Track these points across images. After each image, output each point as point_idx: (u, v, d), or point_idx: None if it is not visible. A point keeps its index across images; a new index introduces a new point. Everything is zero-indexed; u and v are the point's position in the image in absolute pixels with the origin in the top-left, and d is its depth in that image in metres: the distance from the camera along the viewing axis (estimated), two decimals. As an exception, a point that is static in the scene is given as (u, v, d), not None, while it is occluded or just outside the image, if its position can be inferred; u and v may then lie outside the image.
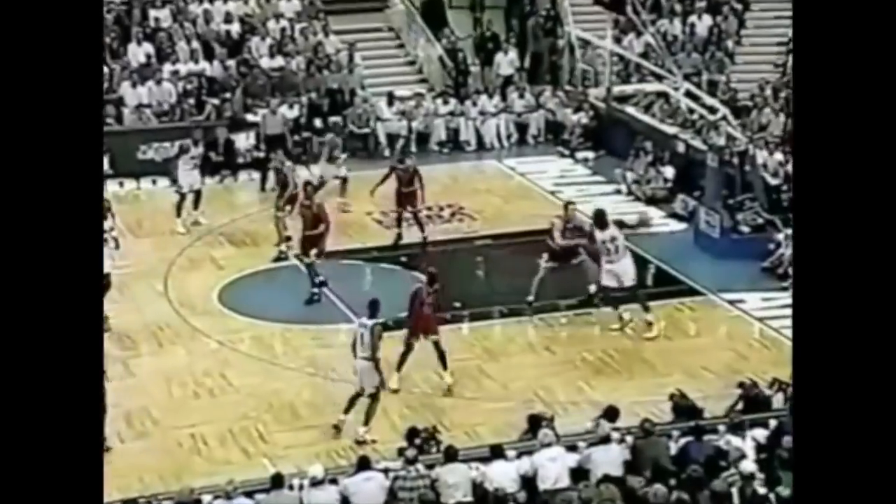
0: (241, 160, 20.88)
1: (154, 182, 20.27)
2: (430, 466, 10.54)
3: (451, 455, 10.65)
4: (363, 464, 10.55)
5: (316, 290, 15.55)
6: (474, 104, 22.78)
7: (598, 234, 14.71)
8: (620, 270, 14.65)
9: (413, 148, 21.92)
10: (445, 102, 22.76)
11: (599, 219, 14.75)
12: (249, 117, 21.28)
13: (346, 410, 12.40)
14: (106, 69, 21.50)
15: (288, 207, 16.71)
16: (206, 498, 10.10)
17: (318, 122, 21.88)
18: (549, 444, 10.80)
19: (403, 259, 16.99)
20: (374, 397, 12.36)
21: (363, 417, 12.34)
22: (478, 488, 10.52)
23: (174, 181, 18.23)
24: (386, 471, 10.52)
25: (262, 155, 19.99)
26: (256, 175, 20.35)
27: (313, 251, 15.51)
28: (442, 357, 13.47)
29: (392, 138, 22.12)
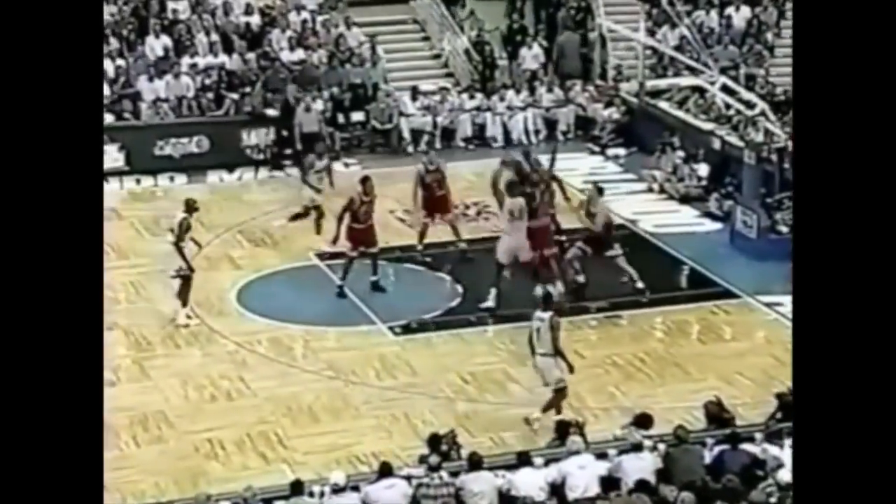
0: (260, 157, 20.98)
1: (171, 179, 20.37)
2: (455, 474, 10.52)
3: (475, 462, 10.63)
4: (385, 470, 10.55)
5: (376, 278, 15.63)
6: (501, 99, 22.77)
7: (507, 200, 15.02)
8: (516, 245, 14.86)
9: (438, 144, 21.95)
10: (471, 97, 22.76)
11: (510, 188, 15.14)
12: (269, 112, 21.35)
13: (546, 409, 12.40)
14: (122, 62, 21.65)
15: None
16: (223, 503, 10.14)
17: (340, 118, 21.95)
18: (577, 452, 10.76)
19: (427, 259, 16.99)
20: (559, 391, 12.35)
21: (544, 405, 12.41)
22: (504, 497, 10.49)
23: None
24: (409, 478, 10.51)
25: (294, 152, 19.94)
26: (276, 172, 20.40)
27: (361, 247, 15.58)
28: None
29: (416, 134, 22.14)
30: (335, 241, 15.81)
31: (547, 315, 12.47)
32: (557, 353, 12.44)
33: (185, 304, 14.90)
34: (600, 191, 16.16)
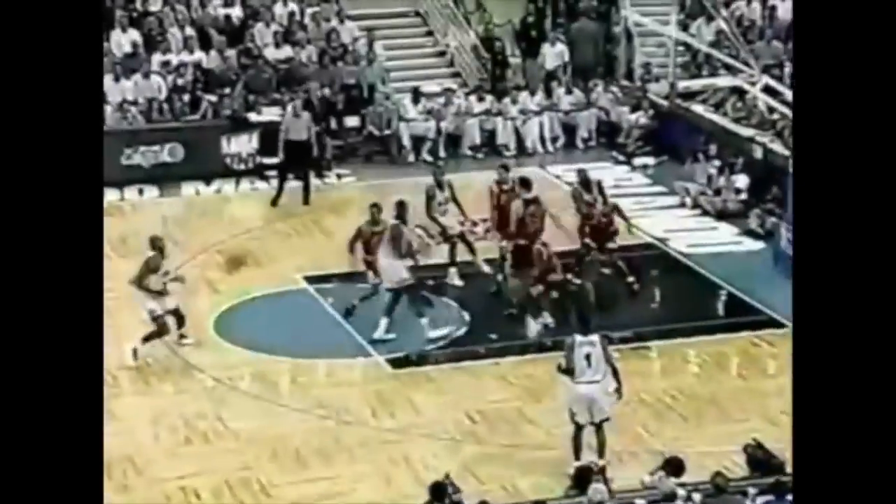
0: (241, 167, 21.11)
1: (140, 192, 20.48)
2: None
3: (486, 511, 10.68)
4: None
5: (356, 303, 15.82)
6: (514, 102, 22.90)
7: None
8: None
9: (442, 152, 22.07)
10: (480, 99, 22.90)
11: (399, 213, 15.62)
12: (252, 117, 21.48)
13: (578, 454, 12.39)
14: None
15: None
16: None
17: (332, 123, 22.08)
18: (600, 503, 10.79)
19: (430, 283, 17.04)
20: (601, 424, 12.46)
21: (598, 449, 12.40)
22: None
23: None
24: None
25: (277, 164, 20.13)
26: (259, 184, 20.52)
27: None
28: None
29: (417, 141, 22.26)
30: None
31: (596, 338, 12.50)
32: (616, 377, 12.50)
33: (145, 342, 15.05)
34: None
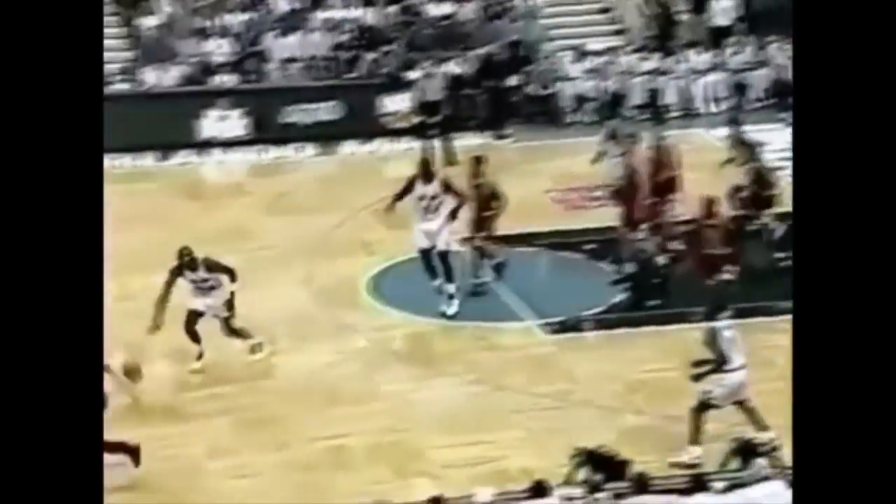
0: (397, 126, 21.22)
1: (299, 149, 20.74)
2: (619, 496, 10.47)
3: (642, 485, 10.55)
4: (539, 490, 10.56)
5: (485, 279, 15.60)
6: (681, 60, 22.48)
7: (419, 187, 14.92)
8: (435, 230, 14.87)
9: (604, 112, 21.83)
10: (646, 58, 22.53)
11: (424, 170, 15.10)
12: (411, 75, 21.55)
13: (697, 436, 12.19)
14: (247, 16, 22.15)
15: None
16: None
17: (491, 82, 22.01)
18: (766, 478, 10.56)
19: (591, 247, 16.90)
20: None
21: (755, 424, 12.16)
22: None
23: None
24: (567, 499, 10.50)
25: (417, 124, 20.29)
26: (415, 144, 20.61)
27: (482, 234, 15.60)
28: None
29: (580, 101, 22.05)
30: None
31: (732, 321, 12.27)
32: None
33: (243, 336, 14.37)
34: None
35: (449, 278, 15.12)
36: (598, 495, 10.48)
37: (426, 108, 20.26)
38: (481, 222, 15.73)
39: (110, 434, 12.59)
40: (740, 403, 12.27)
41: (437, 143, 20.17)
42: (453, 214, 15.09)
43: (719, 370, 12.22)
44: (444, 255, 15.12)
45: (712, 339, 12.26)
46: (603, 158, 17.34)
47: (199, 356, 14.07)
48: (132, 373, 13.13)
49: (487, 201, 15.71)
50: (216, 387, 13.76)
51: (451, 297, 15.10)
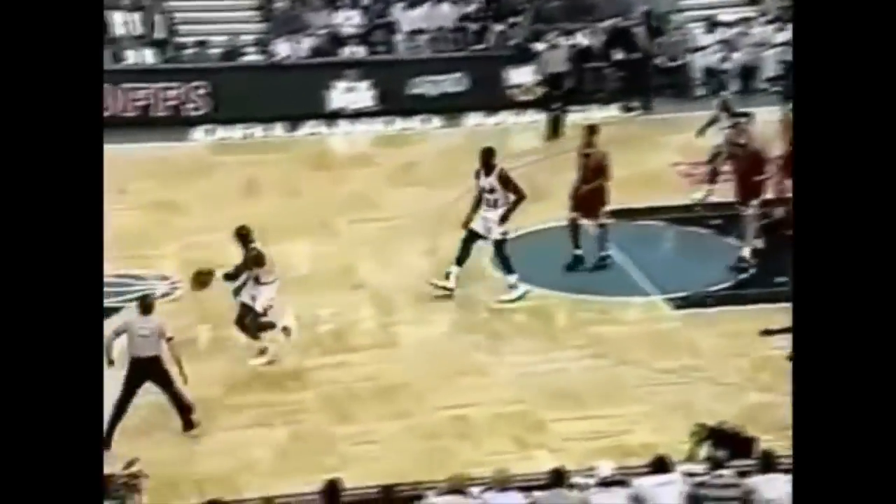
0: (525, 98, 21.22)
1: (426, 121, 20.87)
2: (744, 474, 10.42)
3: (770, 463, 10.48)
4: (661, 465, 10.56)
5: (607, 253, 15.60)
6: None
7: (481, 177, 14.96)
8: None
9: (736, 86, 21.55)
10: (780, 29, 22.15)
11: (485, 161, 15.01)
12: (538, 47, 21.51)
13: None
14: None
15: None
16: (474, 490, 10.41)
17: (619, 54, 21.87)
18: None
19: (717, 222, 16.76)
20: None
21: None
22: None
23: None
24: (689, 475, 10.48)
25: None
26: (539, 116, 20.58)
27: (602, 209, 15.51)
28: None
29: (710, 73, 21.79)
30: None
31: None
32: None
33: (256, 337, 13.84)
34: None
35: (508, 269, 15.05)
36: (722, 472, 10.44)
37: (551, 80, 20.24)
38: (584, 194, 15.59)
39: (247, 397, 12.95)
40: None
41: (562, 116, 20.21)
42: (505, 216, 15.05)
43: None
44: (499, 245, 15.06)
45: None
46: (707, 130, 17.18)
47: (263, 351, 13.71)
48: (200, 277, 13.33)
49: (594, 173, 15.56)
50: (340, 355, 13.99)
51: (511, 286, 15.01)
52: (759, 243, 15.68)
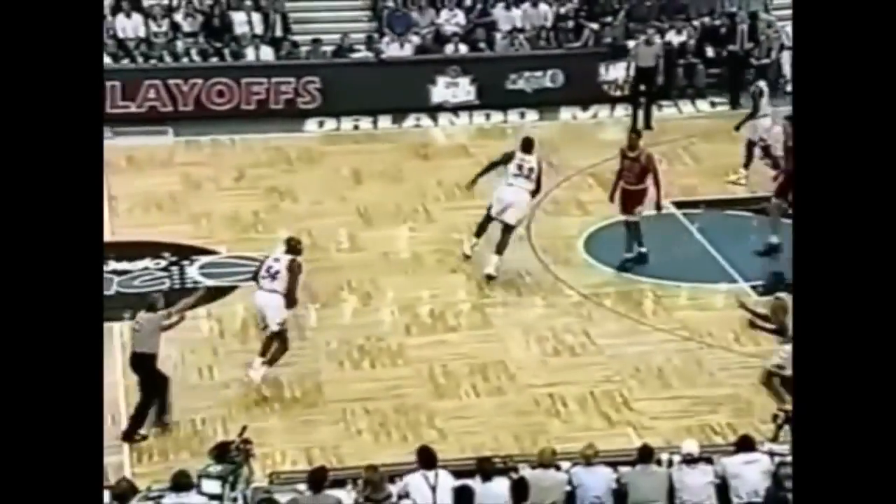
0: (618, 93, 20.99)
1: (522, 115, 20.76)
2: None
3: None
4: (746, 444, 10.39)
5: (632, 254, 15.22)
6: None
7: (518, 155, 14.97)
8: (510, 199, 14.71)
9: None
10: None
11: (525, 144, 15.05)
12: (631, 44, 21.25)
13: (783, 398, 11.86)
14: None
15: None
16: (565, 464, 10.33)
17: (709, 51, 21.53)
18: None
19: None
20: None
21: None
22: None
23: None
24: (771, 454, 10.29)
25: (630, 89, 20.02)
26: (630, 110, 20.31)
27: (638, 209, 15.10)
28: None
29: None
30: (611, 198, 15.41)
31: None
32: None
33: (272, 362, 12.79)
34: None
35: (499, 251, 14.88)
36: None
37: (640, 74, 19.93)
38: (626, 196, 15.08)
39: (353, 373, 12.99)
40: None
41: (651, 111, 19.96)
42: (533, 194, 15.00)
43: (778, 336, 11.74)
44: (507, 228, 14.91)
45: (780, 309, 11.76)
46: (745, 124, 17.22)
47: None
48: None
49: (640, 176, 15.05)
50: (439, 334, 13.97)
51: (490, 277, 14.87)
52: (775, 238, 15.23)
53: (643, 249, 15.27)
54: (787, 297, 11.78)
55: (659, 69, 20.00)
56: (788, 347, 11.44)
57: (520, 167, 15.01)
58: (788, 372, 11.51)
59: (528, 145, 15.23)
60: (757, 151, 17.28)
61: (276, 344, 12.71)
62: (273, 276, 12.63)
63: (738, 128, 17.83)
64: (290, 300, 12.65)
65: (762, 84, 18.18)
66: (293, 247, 12.88)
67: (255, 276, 13.03)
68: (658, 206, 15.17)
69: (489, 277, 14.91)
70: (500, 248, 14.98)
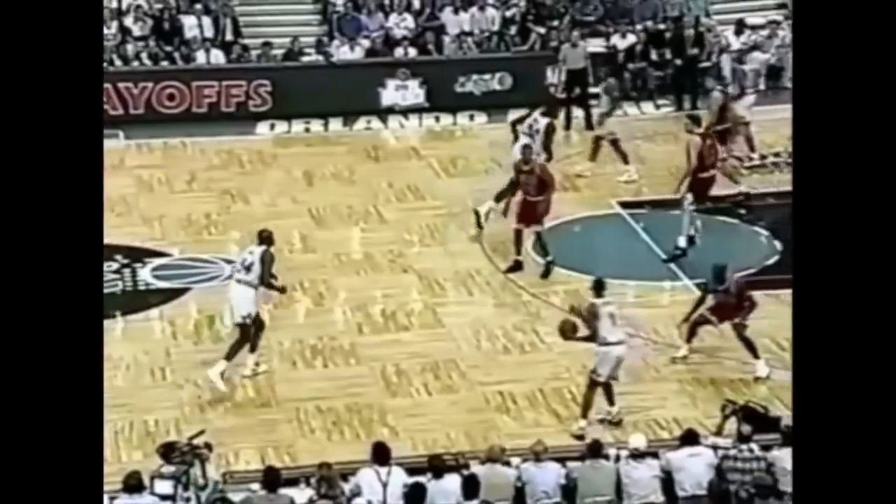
0: (563, 96, 21.00)
1: (471, 117, 20.79)
2: (767, 448, 10.29)
3: (790, 436, 10.34)
4: (690, 438, 10.47)
5: (546, 259, 15.22)
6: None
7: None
8: None
9: (762, 85, 21.33)
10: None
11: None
12: (564, 47, 21.28)
13: (587, 411, 12.09)
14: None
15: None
16: (515, 460, 10.35)
17: (653, 55, 21.67)
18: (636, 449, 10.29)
19: (742, 212, 16.57)
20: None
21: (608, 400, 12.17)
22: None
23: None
24: (715, 447, 10.38)
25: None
26: (578, 112, 20.36)
27: (534, 226, 15.11)
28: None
29: (738, 74, 21.53)
30: (504, 212, 15.63)
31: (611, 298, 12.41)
32: None
33: (254, 349, 12.94)
34: None
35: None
36: (746, 446, 10.33)
37: (573, 78, 19.95)
38: (531, 206, 15.07)
39: (306, 372, 12.94)
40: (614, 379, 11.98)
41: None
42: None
43: (592, 341, 11.93)
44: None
45: (590, 314, 11.89)
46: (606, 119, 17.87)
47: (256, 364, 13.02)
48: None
49: (539, 188, 15.07)
50: (391, 333, 13.95)
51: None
52: (693, 230, 15.49)
53: (550, 258, 15.22)
54: (599, 302, 11.99)
55: (588, 71, 20.08)
56: (604, 349, 11.85)
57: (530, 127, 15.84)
58: (603, 376, 11.89)
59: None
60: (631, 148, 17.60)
61: (252, 333, 12.79)
62: (248, 269, 12.86)
63: (592, 125, 18.83)
64: (269, 286, 12.93)
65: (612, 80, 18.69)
66: (265, 238, 13.05)
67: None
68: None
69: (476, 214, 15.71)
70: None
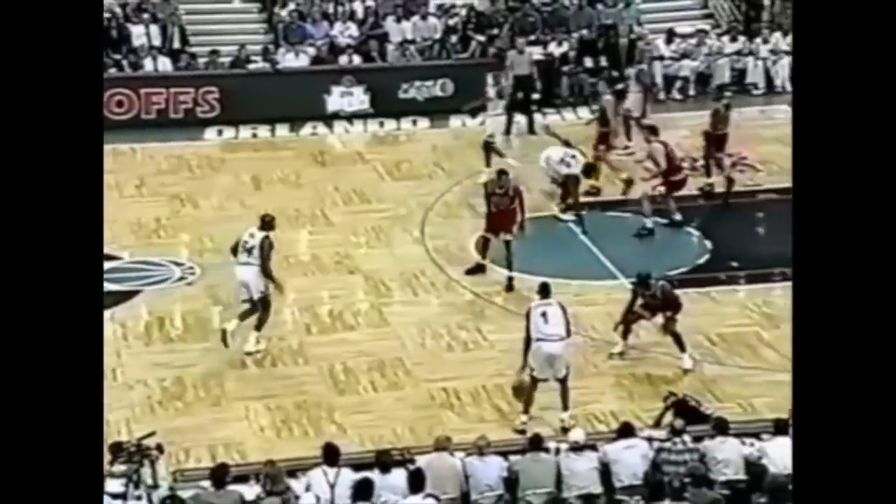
0: (502, 102, 21.15)
1: (414, 123, 20.87)
2: (699, 439, 10.46)
3: (721, 428, 10.53)
4: (626, 431, 10.60)
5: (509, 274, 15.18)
6: (765, 41, 22.11)
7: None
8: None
9: (692, 91, 21.62)
10: (733, 40, 22.19)
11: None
12: (510, 55, 21.43)
13: (528, 407, 12.13)
14: (371, 2, 22.27)
15: (601, 147, 17.55)
16: (459, 454, 10.43)
17: (588, 62, 21.89)
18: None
19: (678, 213, 16.78)
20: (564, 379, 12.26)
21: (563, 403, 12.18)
22: (753, 466, 10.34)
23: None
24: (650, 440, 10.52)
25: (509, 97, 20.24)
26: (519, 118, 20.52)
27: (503, 234, 15.04)
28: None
29: (669, 80, 21.82)
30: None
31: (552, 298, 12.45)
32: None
33: (260, 328, 13.27)
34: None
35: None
36: (684, 438, 10.49)
37: (519, 83, 20.10)
38: (499, 216, 15.04)
39: (255, 371, 12.94)
40: (562, 381, 11.94)
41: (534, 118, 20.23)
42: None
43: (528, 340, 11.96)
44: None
45: (525, 316, 12.09)
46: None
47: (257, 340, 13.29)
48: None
49: (511, 200, 15.01)
50: (338, 333, 13.98)
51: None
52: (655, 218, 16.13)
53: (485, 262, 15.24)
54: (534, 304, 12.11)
55: (534, 77, 20.27)
56: (539, 345, 11.88)
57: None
58: (541, 373, 11.85)
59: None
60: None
61: (260, 312, 13.07)
62: (249, 251, 13.13)
63: (534, 131, 19.56)
64: (267, 275, 13.12)
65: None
66: (267, 223, 13.29)
67: (234, 251, 13.35)
68: (521, 227, 15.13)
69: None
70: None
